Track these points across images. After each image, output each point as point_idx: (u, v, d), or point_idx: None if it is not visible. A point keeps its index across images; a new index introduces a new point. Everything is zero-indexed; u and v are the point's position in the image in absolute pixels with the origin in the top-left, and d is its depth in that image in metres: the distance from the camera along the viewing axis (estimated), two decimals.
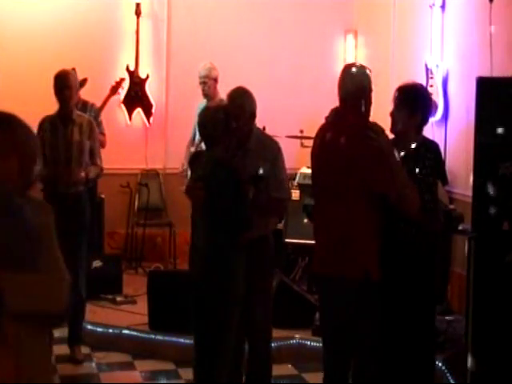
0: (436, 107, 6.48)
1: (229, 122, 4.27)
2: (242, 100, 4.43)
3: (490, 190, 4.66)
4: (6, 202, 2.46)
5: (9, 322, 2.38)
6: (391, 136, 4.09)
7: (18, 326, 2.41)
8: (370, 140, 3.83)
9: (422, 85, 4.34)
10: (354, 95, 3.99)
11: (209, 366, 4.26)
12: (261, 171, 4.38)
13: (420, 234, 4.01)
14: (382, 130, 3.93)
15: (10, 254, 2.40)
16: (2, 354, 2.40)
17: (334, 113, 4.07)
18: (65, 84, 5.53)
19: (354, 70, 4.10)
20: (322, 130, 4.11)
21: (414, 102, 4.09)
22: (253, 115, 4.47)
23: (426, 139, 4.22)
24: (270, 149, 4.53)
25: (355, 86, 3.98)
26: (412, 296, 4.01)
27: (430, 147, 4.16)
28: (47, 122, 5.59)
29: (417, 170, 3.98)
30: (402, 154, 4.04)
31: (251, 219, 4.23)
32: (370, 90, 4.04)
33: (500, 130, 4.70)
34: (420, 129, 4.15)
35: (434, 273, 4.16)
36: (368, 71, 4.09)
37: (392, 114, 4.10)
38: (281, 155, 4.57)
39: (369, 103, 4.03)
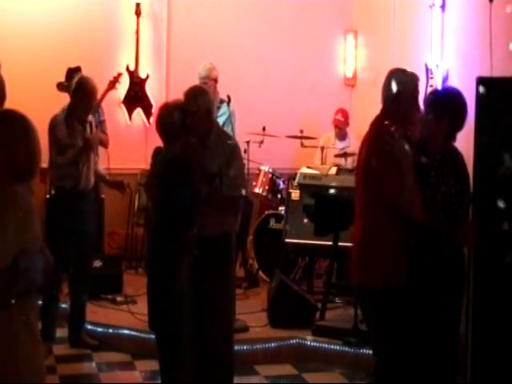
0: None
1: (184, 119, 4.30)
2: (196, 97, 4.44)
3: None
4: None
5: None
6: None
7: None
8: (384, 144, 3.80)
9: (457, 91, 4.12)
10: (388, 101, 3.99)
11: (163, 360, 4.39)
12: (215, 169, 4.39)
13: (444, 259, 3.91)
14: (402, 136, 3.88)
15: None
16: None
17: (377, 116, 4.07)
18: (96, 92, 5.73)
19: (393, 76, 4.03)
20: (366, 134, 4.12)
21: (442, 107, 3.94)
22: (208, 112, 4.46)
23: (449, 150, 4.00)
24: (226, 146, 4.53)
25: (391, 92, 3.97)
26: (439, 302, 3.93)
27: (450, 158, 3.95)
28: (62, 122, 5.61)
29: (432, 180, 3.86)
30: (425, 160, 3.95)
31: (196, 218, 4.24)
32: (406, 97, 3.96)
33: (500, 130, 4.70)
34: (449, 137, 3.99)
35: (464, 280, 4.10)
36: (407, 77, 4.03)
37: (422, 118, 4.00)
38: (238, 153, 4.58)
39: (405, 110, 3.97)
